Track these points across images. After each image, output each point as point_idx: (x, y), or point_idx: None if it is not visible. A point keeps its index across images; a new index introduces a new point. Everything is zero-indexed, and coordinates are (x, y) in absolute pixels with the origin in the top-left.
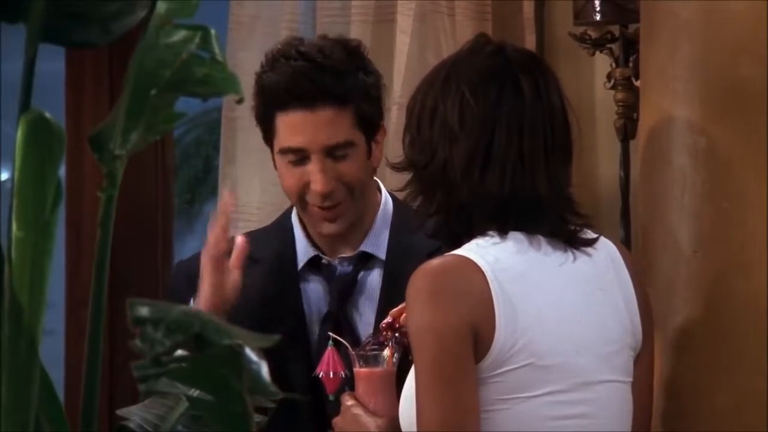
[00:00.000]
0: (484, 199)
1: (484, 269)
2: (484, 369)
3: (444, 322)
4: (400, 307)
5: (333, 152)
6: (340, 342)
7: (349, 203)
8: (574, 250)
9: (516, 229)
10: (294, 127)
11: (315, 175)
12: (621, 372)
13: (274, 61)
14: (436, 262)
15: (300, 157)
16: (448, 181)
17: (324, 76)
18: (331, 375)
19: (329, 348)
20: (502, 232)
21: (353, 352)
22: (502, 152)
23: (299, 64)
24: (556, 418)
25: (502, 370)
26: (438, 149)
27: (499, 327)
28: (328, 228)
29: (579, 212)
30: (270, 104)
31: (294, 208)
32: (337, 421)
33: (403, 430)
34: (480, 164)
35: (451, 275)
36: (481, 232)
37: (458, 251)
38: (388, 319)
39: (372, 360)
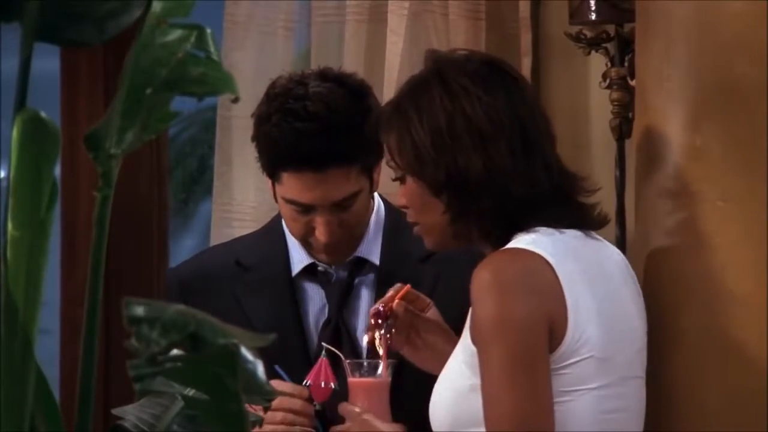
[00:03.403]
0: (537, 186)
1: (551, 262)
2: (554, 361)
3: (523, 313)
4: (389, 295)
5: (340, 204)
6: (334, 352)
7: (350, 240)
8: (600, 242)
9: (558, 217)
10: (301, 185)
11: (321, 227)
12: (643, 368)
13: (278, 113)
14: (505, 255)
15: (306, 209)
16: (495, 184)
17: (332, 138)
18: (322, 385)
19: (322, 358)
20: (550, 224)
21: (347, 362)
22: (535, 137)
23: (307, 126)
24: (604, 411)
25: (570, 361)
26: (473, 158)
27: (571, 319)
28: (326, 258)
29: (588, 188)
30: (275, 161)
31: None
32: (347, 428)
33: (435, 430)
34: (523, 154)
35: (526, 268)
36: (530, 225)
37: (518, 245)
38: (379, 306)
39: (366, 370)
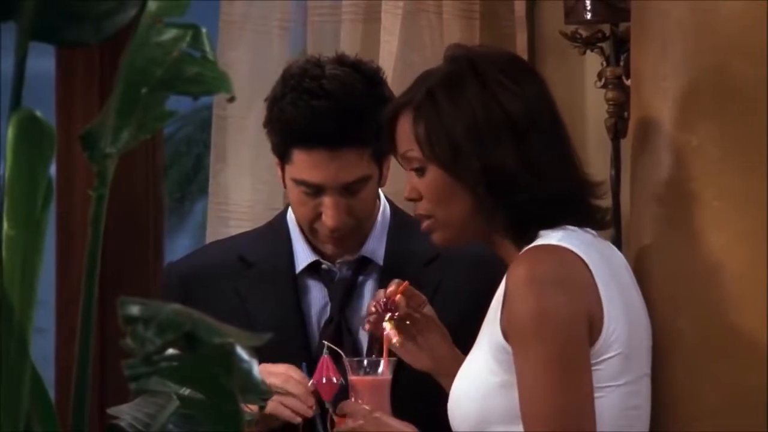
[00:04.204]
0: (569, 182)
1: (583, 258)
2: (591, 356)
3: (564, 308)
4: (391, 289)
5: (349, 187)
6: (335, 350)
7: (356, 232)
8: (608, 243)
9: (580, 215)
10: (313, 164)
11: (328, 210)
12: (650, 366)
13: (294, 91)
14: (540, 251)
15: (315, 190)
16: (531, 179)
17: (347, 118)
18: (325, 381)
19: (324, 356)
20: (573, 222)
21: (348, 360)
22: (566, 134)
23: (323, 104)
24: (627, 408)
25: (603, 357)
26: (510, 152)
27: (606, 314)
28: (332, 250)
29: (602, 192)
30: (288, 139)
31: (290, 209)
32: (358, 426)
33: (456, 428)
34: (558, 150)
35: (563, 263)
36: (557, 223)
37: (549, 241)
38: (382, 298)
39: (368, 368)
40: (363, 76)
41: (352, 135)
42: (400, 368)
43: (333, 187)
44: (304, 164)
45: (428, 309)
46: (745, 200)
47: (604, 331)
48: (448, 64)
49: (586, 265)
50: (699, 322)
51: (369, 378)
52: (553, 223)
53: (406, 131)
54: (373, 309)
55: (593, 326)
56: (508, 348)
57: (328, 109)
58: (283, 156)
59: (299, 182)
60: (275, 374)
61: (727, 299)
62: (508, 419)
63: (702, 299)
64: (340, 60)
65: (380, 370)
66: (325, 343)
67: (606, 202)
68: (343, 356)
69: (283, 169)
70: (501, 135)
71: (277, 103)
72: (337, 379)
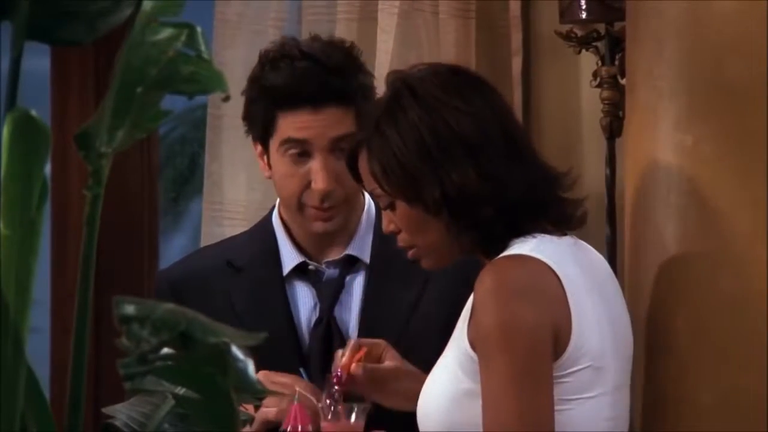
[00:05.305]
0: (533, 187)
1: (554, 269)
2: (556, 368)
3: (530, 320)
4: (345, 360)
5: (337, 145)
6: (307, 397)
7: (344, 205)
8: (590, 249)
9: (553, 220)
10: (300, 124)
11: (318, 173)
12: (629, 376)
13: (274, 60)
14: (509, 261)
15: (302, 150)
16: (493, 192)
17: (330, 76)
18: (292, 430)
19: (295, 403)
20: (547, 230)
21: (320, 406)
22: (522, 139)
23: (304, 65)
24: (602, 419)
25: (571, 370)
26: (465, 169)
27: (575, 327)
28: (322, 227)
29: (570, 182)
30: (273, 104)
31: (275, 211)
32: None
33: None
34: (514, 157)
35: (531, 274)
36: (529, 231)
37: (521, 251)
38: (337, 372)
39: (339, 414)
40: (340, 48)
41: (334, 92)
42: (377, 413)
43: (320, 145)
44: (290, 126)
45: (390, 354)
46: (743, 200)
47: (572, 344)
48: (388, 91)
49: (557, 277)
50: (695, 321)
51: (339, 424)
52: (525, 231)
53: (365, 171)
54: (336, 387)
55: (560, 339)
56: (475, 357)
57: (308, 69)
58: (267, 130)
59: (286, 142)
60: (283, 385)
61: (725, 299)
62: (473, 428)
63: (699, 299)
64: (314, 37)
65: (352, 418)
66: (297, 390)
67: (576, 193)
68: (316, 402)
69: (267, 156)
70: (454, 153)
71: (256, 80)
72: (300, 427)
